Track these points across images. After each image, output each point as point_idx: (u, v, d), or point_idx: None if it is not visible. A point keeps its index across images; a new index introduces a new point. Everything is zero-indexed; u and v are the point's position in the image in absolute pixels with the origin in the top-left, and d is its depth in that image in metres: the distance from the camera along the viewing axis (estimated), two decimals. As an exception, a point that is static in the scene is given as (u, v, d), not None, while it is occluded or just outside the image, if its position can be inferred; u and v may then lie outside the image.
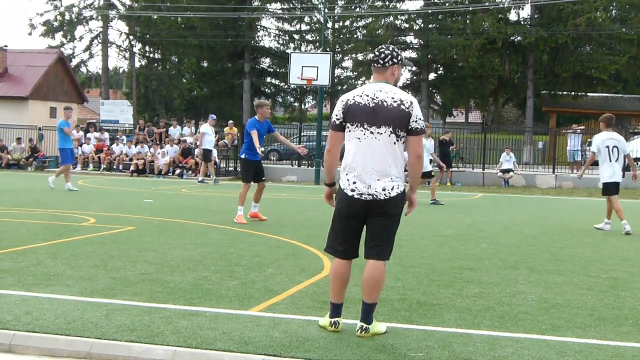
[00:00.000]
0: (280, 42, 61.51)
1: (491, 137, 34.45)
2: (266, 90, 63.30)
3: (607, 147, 14.15)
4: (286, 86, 57.70)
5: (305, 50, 55.90)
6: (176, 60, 63.02)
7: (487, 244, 11.84)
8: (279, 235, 11.93)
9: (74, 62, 58.42)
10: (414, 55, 54.76)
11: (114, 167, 34.43)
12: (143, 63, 62.85)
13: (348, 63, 58.96)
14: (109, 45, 59.62)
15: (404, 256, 10.11)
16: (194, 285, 7.57)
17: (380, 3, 53.23)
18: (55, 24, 58.64)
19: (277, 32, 61.09)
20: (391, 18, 51.70)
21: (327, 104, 56.26)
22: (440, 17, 50.73)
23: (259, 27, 60.49)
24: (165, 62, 62.73)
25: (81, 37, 60.26)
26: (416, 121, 5.78)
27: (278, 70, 59.91)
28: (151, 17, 57.35)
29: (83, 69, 62.36)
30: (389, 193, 5.76)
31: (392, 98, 5.76)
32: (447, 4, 51.01)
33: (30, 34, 60.89)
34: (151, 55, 63.38)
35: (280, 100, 63.65)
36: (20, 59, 44.38)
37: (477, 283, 8.22)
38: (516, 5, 49.38)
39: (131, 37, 60.49)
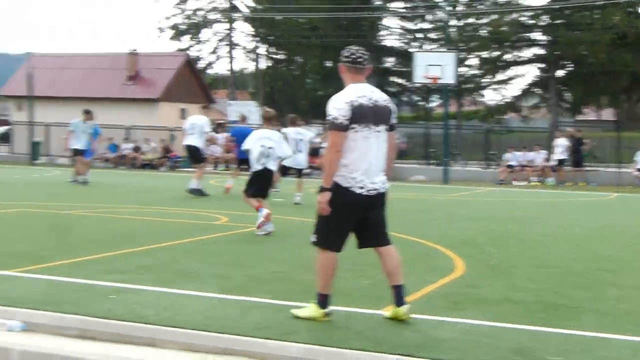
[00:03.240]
0: (404, 41, 61.25)
1: (626, 135, 33.28)
2: (391, 89, 63.12)
3: None
4: (411, 85, 57.36)
5: (429, 49, 55.46)
6: (301, 60, 63.63)
7: (625, 246, 11.46)
8: (409, 235, 11.85)
9: (202, 64, 59.76)
10: (541, 52, 53.55)
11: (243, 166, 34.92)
12: (269, 64, 63.75)
13: (473, 61, 58.09)
14: (234, 47, 60.75)
15: (537, 257, 9.91)
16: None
17: (504, -1, 52.28)
18: (183, 27, 60.17)
19: (400, 31, 60.86)
20: (516, 14, 50.68)
21: (453, 103, 55.63)
22: (567, 12, 49.40)
23: (381, 26, 60.40)
24: (290, 63, 63.42)
25: (207, 40, 61.47)
26: (395, 117, 6.30)
27: (402, 69, 59.62)
28: (274, 18, 58.07)
29: (210, 71, 63.80)
30: (385, 185, 6.20)
31: (382, 97, 6.18)
32: (574, -1, 49.68)
33: (159, 37, 62.47)
34: (276, 56, 64.22)
35: (405, 99, 63.36)
36: (150, 62, 45.74)
37: (616, 286, 7.94)
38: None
39: (256, 39, 61.45)
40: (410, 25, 60.20)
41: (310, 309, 6.15)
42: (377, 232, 6.27)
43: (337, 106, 5.99)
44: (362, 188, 6.00)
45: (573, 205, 19.72)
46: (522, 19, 50.90)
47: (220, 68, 65.72)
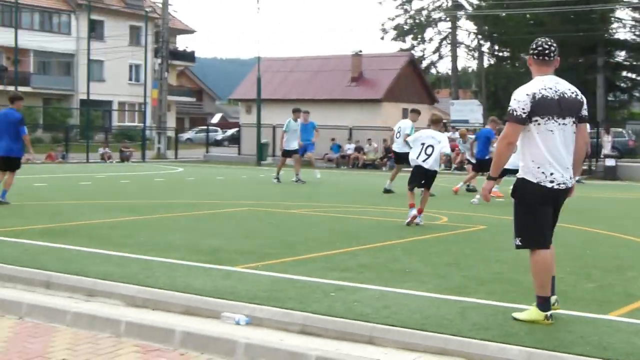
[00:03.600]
0: (637, 33, 58.42)
1: None
2: (622, 85, 60.41)
3: None
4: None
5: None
6: (525, 57, 62.27)
7: None
8: (636, 236, 11.32)
9: (424, 63, 59.85)
10: None
11: (465, 166, 34.70)
12: (492, 62, 62.86)
13: None
14: (457, 45, 60.40)
15: None
16: (549, 286, 7.39)
17: None
18: (406, 27, 60.51)
19: (633, 22, 58.09)
20: None
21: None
22: None
23: (613, 18, 57.93)
24: (515, 60, 62.22)
25: (430, 39, 61.51)
26: (586, 109, 6.09)
27: (635, 63, 56.92)
28: (499, 15, 57.16)
29: (433, 70, 63.76)
30: (573, 180, 6.11)
31: (569, 89, 6.02)
32: None
33: (382, 38, 63.31)
34: (500, 54, 63.21)
35: (638, 94, 60.45)
36: (374, 63, 46.33)
37: None
38: None
39: (479, 37, 60.77)
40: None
41: (531, 312, 6.00)
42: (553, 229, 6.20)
43: (518, 98, 5.95)
44: (552, 182, 5.93)
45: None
46: None
47: (443, 67, 65.43)
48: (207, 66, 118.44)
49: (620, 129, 39.39)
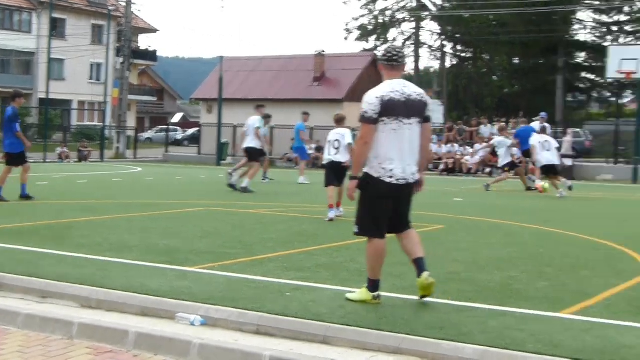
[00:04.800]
0: (597, 35, 59.18)
1: None
2: (581, 85, 61.12)
3: None
4: (602, 81, 55.34)
5: (625, 42, 53.28)
6: (487, 58, 62.74)
7: None
8: (593, 236, 11.45)
9: (387, 64, 60.00)
10: None
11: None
12: (454, 62, 63.27)
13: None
14: (420, 46, 60.69)
15: None
16: (503, 285, 7.48)
17: None
18: (370, 27, 60.66)
19: (593, 24, 58.84)
20: None
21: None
22: None
23: (574, 20, 58.60)
24: (477, 61, 62.69)
25: (394, 39, 61.73)
26: (430, 110, 6.63)
27: (594, 64, 57.63)
28: (463, 16, 57.56)
29: (395, 70, 63.98)
30: (415, 177, 6.56)
31: (415, 92, 6.50)
32: None
33: (346, 38, 63.36)
34: (462, 54, 63.65)
35: (595, 95, 61.23)
36: (337, 63, 46.36)
37: None
38: None
39: (443, 37, 61.13)
40: (605, 18, 58.03)
41: (361, 292, 6.57)
42: (402, 221, 6.70)
43: (369, 101, 6.42)
44: (391, 177, 6.38)
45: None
46: None
47: (406, 67, 65.66)
48: (169, 65, 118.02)
49: (578, 130, 39.84)
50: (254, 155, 19.60)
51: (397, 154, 6.37)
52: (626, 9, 55.64)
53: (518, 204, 17.67)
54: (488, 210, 15.46)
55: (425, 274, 6.49)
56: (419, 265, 6.60)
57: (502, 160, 22.30)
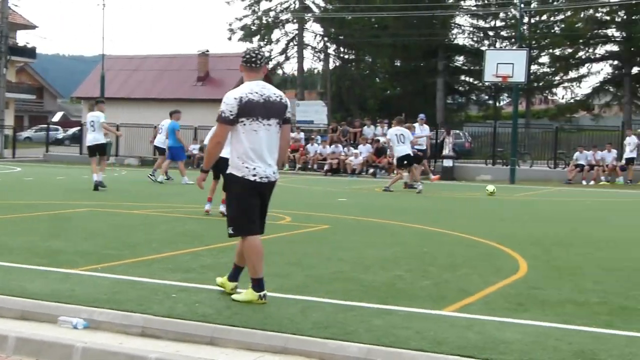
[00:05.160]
0: (475, 39, 60.87)
1: None
2: (460, 88, 62.69)
3: None
4: (480, 84, 56.95)
5: (501, 47, 54.94)
6: (370, 60, 63.57)
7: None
8: (473, 235, 11.76)
9: (271, 64, 60.05)
10: (615, 48, 52.56)
11: (309, 166, 35.16)
12: (337, 64, 63.82)
13: (545, 59, 57.37)
14: (304, 47, 60.95)
15: (604, 259, 9.73)
16: (388, 284, 7.59)
17: (580, -5, 51.53)
18: (253, 28, 60.55)
19: (471, 29, 60.47)
20: (591, 11, 49.85)
21: (522, 101, 55.01)
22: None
23: (453, 24, 60.08)
24: (359, 62, 63.42)
25: (277, 40, 61.85)
26: (290, 112, 6.79)
27: (472, 68, 59.24)
28: (345, 18, 58.15)
29: (279, 71, 64.11)
30: (276, 175, 6.75)
31: (274, 93, 6.65)
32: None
33: (229, 38, 62.89)
34: (345, 56, 64.27)
35: (474, 98, 62.91)
36: (221, 63, 46.07)
37: (685, 288, 7.75)
38: None
39: (326, 39, 61.57)
40: (482, 23, 59.76)
41: (247, 293, 6.61)
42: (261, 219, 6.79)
43: (227, 101, 6.57)
44: (255, 176, 6.53)
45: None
46: (597, 15, 50.00)
47: (289, 68, 65.74)
48: (49, 63, 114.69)
49: (457, 131, 40.85)
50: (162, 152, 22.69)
51: (258, 154, 6.53)
52: (502, 15, 57.45)
53: (401, 204, 17.98)
54: (372, 210, 15.68)
55: (234, 285, 6.84)
56: (237, 273, 6.91)
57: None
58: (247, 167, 6.53)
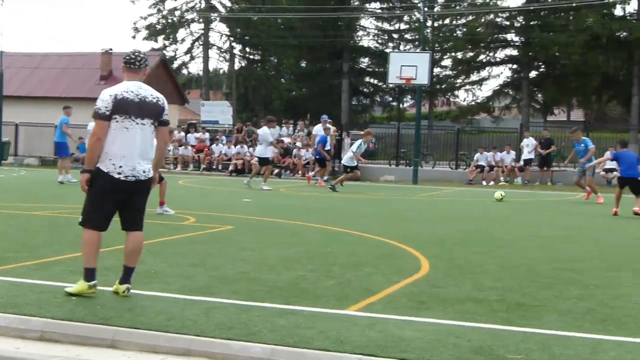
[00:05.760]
0: (380, 41, 61.61)
1: (594, 136, 33.51)
2: (364, 89, 63.30)
3: None
4: (385, 86, 57.63)
5: (405, 50, 55.74)
6: (275, 61, 63.57)
7: (590, 246, 11.56)
8: (376, 235, 11.89)
9: (176, 64, 59.51)
10: (514, 52, 53.93)
11: (214, 167, 34.97)
12: (243, 64, 63.62)
13: (447, 62, 58.48)
14: (209, 47, 60.55)
15: (503, 257, 9.97)
16: (291, 284, 7.61)
17: (480, 0, 52.64)
18: (158, 27, 59.84)
19: (376, 31, 61.17)
20: (492, 16, 51.03)
21: (425, 103, 55.89)
22: (542, 14, 49.83)
23: (358, 27, 60.64)
24: (265, 63, 63.37)
25: (183, 40, 61.24)
26: (167, 114, 6.99)
27: (377, 69, 59.91)
28: (251, 18, 58.03)
29: (184, 71, 63.53)
30: (148, 174, 6.86)
31: (152, 95, 6.84)
32: (549, 0, 50.03)
33: (134, 37, 61.92)
34: (251, 57, 64.12)
35: (378, 99, 63.61)
36: (124, 62, 45.41)
37: (578, 285, 8.02)
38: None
39: (231, 39, 61.32)
40: (386, 25, 60.52)
41: (78, 285, 6.71)
42: (133, 217, 6.98)
43: (103, 98, 6.67)
44: (120, 174, 6.65)
45: (540, 205, 19.84)
46: (498, 19, 51.21)
47: (194, 68, 65.28)
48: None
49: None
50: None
51: (127, 152, 6.63)
52: (406, 18, 58.32)
53: (305, 205, 18.05)
54: (276, 211, 15.70)
55: (125, 287, 6.82)
56: (126, 274, 6.91)
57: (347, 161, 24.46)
58: (113, 164, 6.63)
